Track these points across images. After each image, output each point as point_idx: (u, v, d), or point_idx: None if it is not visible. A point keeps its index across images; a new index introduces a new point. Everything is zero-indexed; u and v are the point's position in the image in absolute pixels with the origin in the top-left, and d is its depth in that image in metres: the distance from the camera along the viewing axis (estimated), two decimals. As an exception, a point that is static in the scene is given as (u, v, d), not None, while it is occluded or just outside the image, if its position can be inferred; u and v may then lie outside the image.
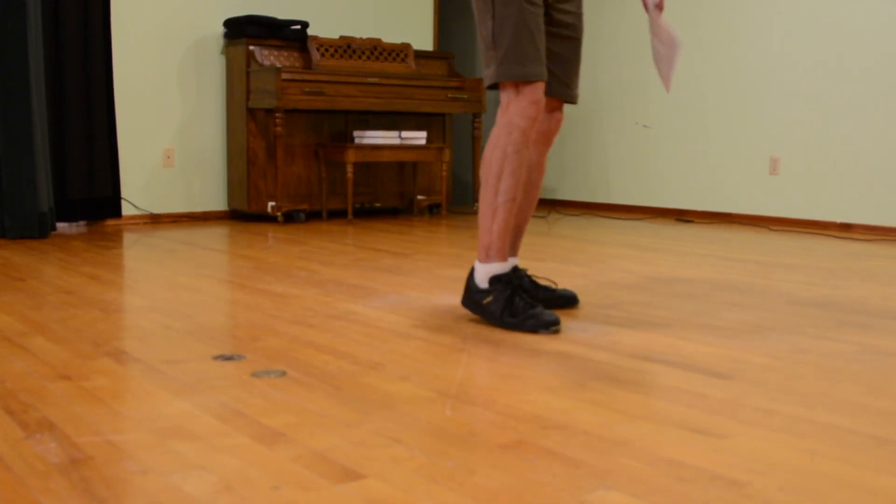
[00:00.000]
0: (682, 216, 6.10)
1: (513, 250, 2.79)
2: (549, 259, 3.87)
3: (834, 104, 5.33)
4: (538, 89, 2.49)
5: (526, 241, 4.46)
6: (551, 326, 2.41)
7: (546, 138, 2.71)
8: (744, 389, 1.90)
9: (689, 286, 3.22)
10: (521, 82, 2.47)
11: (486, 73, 2.55)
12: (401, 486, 1.35)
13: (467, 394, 1.85)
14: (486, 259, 2.54)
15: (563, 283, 3.23)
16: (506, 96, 2.51)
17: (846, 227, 5.29)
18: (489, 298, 2.50)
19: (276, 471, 1.41)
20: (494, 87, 2.56)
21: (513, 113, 2.48)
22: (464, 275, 3.40)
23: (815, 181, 5.44)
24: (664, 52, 2.63)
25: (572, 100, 2.70)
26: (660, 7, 2.66)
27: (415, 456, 1.48)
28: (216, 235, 4.83)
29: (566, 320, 2.57)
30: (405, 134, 5.76)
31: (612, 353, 2.21)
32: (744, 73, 5.77)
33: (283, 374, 1.99)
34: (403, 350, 2.23)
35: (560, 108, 2.71)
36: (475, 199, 6.25)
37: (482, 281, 2.53)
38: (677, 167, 6.20)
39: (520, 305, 2.46)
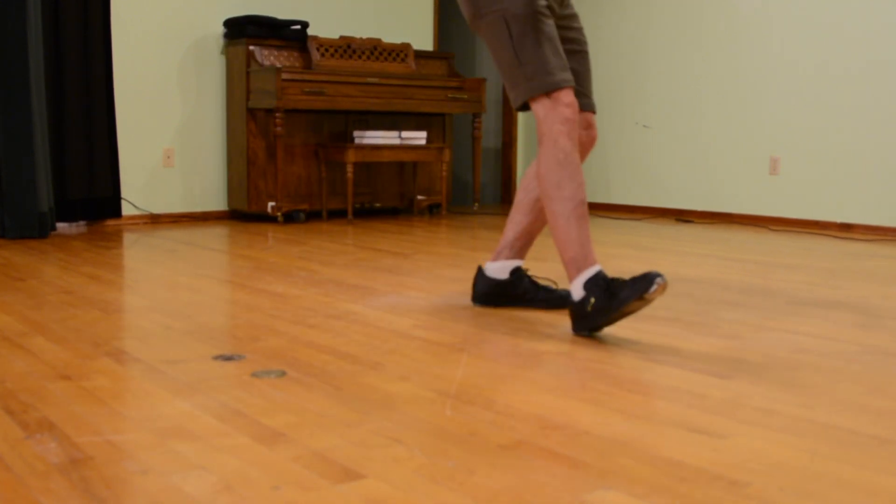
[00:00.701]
0: (682, 216, 6.10)
1: (520, 254, 2.78)
2: (549, 259, 3.87)
3: (834, 104, 5.33)
4: (569, 94, 2.45)
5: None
6: (652, 287, 2.25)
7: (580, 153, 2.67)
8: (743, 389, 1.89)
9: (689, 286, 3.22)
10: (552, 91, 2.43)
11: (515, 95, 2.50)
12: (401, 486, 1.35)
13: (467, 394, 1.85)
14: (578, 272, 2.41)
15: (563, 283, 3.22)
16: (540, 110, 2.46)
17: (846, 227, 5.29)
18: (592, 301, 2.37)
19: (276, 471, 1.41)
20: (525, 107, 2.51)
21: (551, 122, 2.44)
22: (463, 274, 3.40)
23: (815, 181, 5.44)
24: None
25: (592, 108, 2.70)
26: None
27: (415, 456, 1.48)
28: (216, 235, 4.83)
29: (566, 320, 2.56)
30: (405, 134, 5.76)
31: (612, 353, 2.21)
32: (744, 73, 5.77)
33: (283, 374, 1.99)
34: (403, 350, 2.23)
35: (593, 125, 2.70)
36: (475, 200, 6.25)
37: (579, 292, 2.40)
38: (677, 167, 6.20)
39: (618, 284, 2.33)
